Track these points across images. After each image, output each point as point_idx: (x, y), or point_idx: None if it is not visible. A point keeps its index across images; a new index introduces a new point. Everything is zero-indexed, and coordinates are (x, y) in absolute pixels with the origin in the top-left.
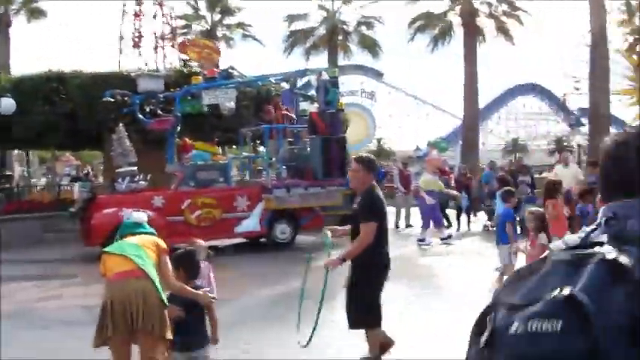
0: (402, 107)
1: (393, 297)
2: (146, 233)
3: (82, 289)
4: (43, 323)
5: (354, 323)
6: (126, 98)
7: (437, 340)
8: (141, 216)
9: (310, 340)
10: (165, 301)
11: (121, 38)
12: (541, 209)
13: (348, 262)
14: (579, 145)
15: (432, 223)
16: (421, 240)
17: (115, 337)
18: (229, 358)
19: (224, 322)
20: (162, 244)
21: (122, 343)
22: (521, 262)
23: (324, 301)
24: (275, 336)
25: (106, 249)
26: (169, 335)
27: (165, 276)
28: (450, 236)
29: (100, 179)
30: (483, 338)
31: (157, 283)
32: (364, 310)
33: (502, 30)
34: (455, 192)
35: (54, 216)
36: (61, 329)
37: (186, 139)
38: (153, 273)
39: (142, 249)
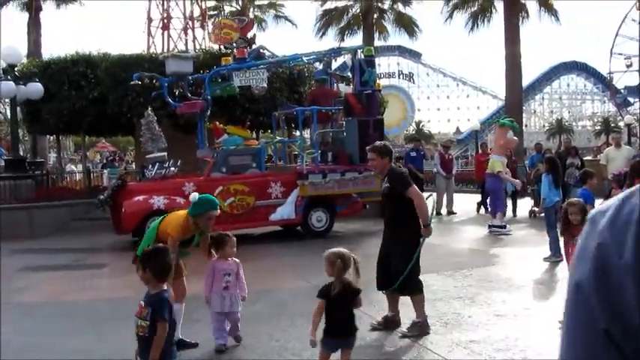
0: (441, 88)
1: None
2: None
3: (110, 280)
4: (69, 316)
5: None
6: (154, 81)
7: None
8: (193, 196)
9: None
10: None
11: (150, 20)
12: (580, 200)
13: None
14: (628, 125)
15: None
16: (500, 227)
17: None
18: (263, 354)
19: (257, 315)
20: (172, 231)
21: None
22: None
23: None
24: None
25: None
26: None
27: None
28: (504, 226)
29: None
30: None
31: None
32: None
33: (546, 5)
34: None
35: (83, 203)
36: (85, 323)
37: (217, 123)
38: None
39: (154, 231)
